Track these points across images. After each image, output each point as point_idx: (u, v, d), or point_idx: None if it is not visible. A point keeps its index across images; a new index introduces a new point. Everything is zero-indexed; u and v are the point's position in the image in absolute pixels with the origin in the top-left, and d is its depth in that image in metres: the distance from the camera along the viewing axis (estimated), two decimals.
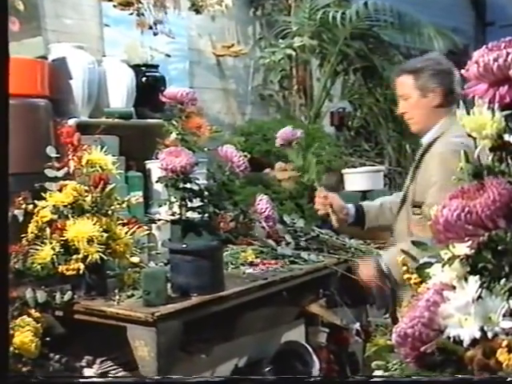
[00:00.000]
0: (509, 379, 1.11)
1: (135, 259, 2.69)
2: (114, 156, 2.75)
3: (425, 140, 2.74)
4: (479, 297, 1.17)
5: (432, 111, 2.70)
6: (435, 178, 2.54)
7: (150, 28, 3.98)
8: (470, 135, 1.27)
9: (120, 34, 3.93)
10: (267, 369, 3.05)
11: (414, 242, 1.44)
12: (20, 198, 2.58)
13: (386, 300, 2.85)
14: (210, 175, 2.72)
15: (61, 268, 2.48)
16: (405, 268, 1.45)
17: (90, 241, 2.47)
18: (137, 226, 2.75)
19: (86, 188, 2.60)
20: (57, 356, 2.45)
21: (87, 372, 2.48)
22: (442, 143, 2.63)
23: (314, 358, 3.18)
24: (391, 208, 3.04)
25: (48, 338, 2.40)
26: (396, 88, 2.85)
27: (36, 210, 2.57)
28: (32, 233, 2.54)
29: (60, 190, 2.58)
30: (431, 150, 2.68)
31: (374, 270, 2.70)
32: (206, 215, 2.59)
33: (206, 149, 2.78)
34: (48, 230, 2.53)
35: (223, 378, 2.65)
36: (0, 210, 1.34)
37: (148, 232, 3.04)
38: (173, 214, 2.62)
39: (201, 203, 2.59)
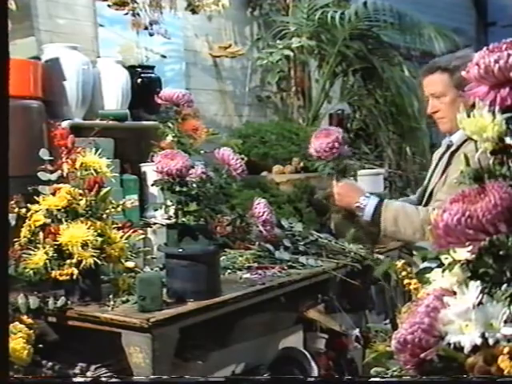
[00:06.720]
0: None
1: (130, 264, 2.66)
2: (108, 159, 2.73)
3: (455, 139, 2.67)
4: (480, 303, 1.16)
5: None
6: None
7: (146, 28, 3.97)
8: (470, 138, 1.27)
9: (115, 35, 3.91)
10: (265, 375, 3.04)
11: (414, 247, 1.42)
12: (12, 202, 2.55)
13: (386, 305, 2.82)
14: (207, 178, 2.69)
15: (54, 273, 2.46)
16: (404, 273, 1.44)
17: (84, 245, 2.46)
18: (132, 230, 2.74)
19: (81, 191, 2.58)
20: (49, 363, 2.43)
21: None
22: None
23: (313, 364, 3.18)
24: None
25: (40, 345, 2.37)
26: (426, 86, 2.77)
27: (29, 214, 2.54)
28: (25, 237, 2.52)
29: (53, 194, 2.56)
30: (467, 146, 2.59)
31: (353, 203, 2.69)
32: (203, 219, 2.57)
33: (202, 151, 2.75)
34: (41, 235, 2.51)
35: (223, 378, 2.63)
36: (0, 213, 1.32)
37: (143, 236, 3.04)
38: (169, 218, 2.60)
39: (197, 207, 2.57)
